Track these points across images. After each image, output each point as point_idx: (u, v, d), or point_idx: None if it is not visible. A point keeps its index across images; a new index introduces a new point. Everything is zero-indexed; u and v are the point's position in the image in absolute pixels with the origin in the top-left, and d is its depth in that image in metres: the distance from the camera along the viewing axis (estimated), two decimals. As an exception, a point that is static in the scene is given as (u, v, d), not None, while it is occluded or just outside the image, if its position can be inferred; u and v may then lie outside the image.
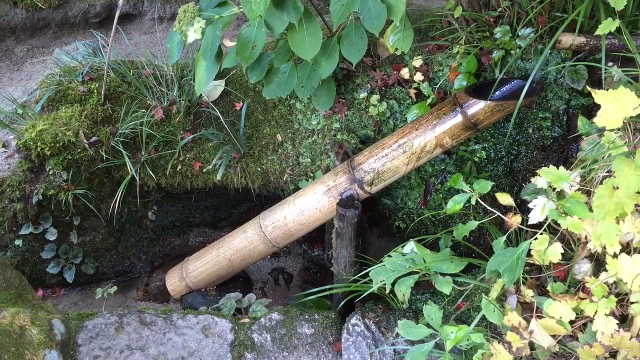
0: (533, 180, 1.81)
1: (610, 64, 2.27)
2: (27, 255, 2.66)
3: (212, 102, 2.73)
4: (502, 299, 1.82)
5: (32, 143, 2.45)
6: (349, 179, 2.37)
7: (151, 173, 2.73)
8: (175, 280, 2.83)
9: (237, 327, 2.19)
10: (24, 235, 2.58)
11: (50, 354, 1.72)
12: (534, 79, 2.18)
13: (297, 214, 2.46)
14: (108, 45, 2.53)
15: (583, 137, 2.03)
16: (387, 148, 2.31)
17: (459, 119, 2.18)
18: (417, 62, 2.59)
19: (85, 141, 2.52)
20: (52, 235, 2.65)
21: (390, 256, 2.04)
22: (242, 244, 2.62)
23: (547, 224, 1.71)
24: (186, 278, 2.78)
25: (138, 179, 2.70)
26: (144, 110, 2.68)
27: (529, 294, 1.76)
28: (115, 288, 2.57)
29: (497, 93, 2.32)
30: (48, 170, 2.53)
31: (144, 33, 3.50)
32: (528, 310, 1.75)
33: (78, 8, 3.37)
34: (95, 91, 2.66)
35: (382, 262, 2.04)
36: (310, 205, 2.43)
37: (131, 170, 2.63)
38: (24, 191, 2.51)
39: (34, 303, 1.88)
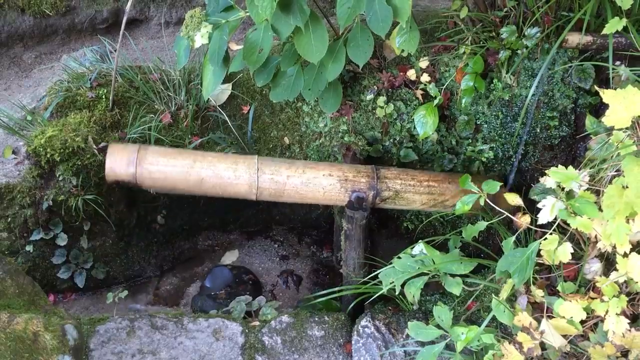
0: (541, 179, 1.81)
1: (618, 62, 2.27)
2: (37, 260, 2.67)
3: (219, 105, 2.74)
4: (511, 299, 1.82)
5: (41, 149, 2.46)
6: (370, 183, 2.38)
7: (159, 177, 2.74)
8: (121, 160, 2.39)
9: (247, 330, 2.20)
10: (34, 240, 2.59)
11: (63, 359, 1.73)
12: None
13: (300, 182, 2.39)
14: (115, 51, 2.54)
15: (591, 136, 2.03)
16: (416, 180, 2.47)
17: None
18: (423, 63, 2.59)
19: (94, 146, 2.54)
20: (62, 241, 2.66)
21: (399, 257, 2.05)
22: (226, 173, 2.39)
23: (556, 224, 1.70)
24: (138, 166, 2.38)
25: (147, 183, 2.71)
26: (151, 115, 2.69)
27: (539, 293, 1.76)
28: (125, 292, 2.58)
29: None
30: (57, 175, 2.54)
31: (150, 38, 3.52)
32: (538, 310, 1.75)
33: (85, 14, 3.38)
34: (103, 96, 2.67)
35: (391, 263, 2.04)
36: (318, 182, 2.40)
37: (140, 175, 2.64)
38: (34, 197, 2.53)
39: (47, 308, 1.89)
